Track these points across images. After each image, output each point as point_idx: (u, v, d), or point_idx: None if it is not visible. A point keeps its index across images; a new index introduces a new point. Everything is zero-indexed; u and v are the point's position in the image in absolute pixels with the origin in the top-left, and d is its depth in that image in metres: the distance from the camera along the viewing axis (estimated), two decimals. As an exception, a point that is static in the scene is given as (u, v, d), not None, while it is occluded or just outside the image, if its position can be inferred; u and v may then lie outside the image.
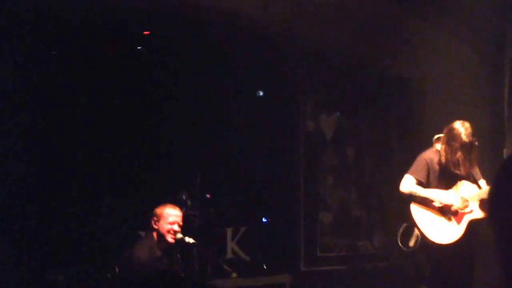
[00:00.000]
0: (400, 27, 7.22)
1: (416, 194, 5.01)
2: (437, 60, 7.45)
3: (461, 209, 4.92)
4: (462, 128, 4.96)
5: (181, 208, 4.77)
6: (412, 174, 5.10)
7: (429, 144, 5.32)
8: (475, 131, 4.98)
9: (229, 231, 6.93)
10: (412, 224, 5.05)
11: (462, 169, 4.98)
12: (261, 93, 7.42)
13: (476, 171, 5.12)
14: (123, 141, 5.98)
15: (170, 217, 4.54)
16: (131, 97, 6.06)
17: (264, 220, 7.37)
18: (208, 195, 6.67)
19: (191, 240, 4.56)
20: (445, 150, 5.02)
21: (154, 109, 6.26)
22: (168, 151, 6.34)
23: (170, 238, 4.51)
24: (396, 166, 5.31)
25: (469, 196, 4.97)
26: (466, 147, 4.94)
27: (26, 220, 5.20)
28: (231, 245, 6.90)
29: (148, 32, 6.10)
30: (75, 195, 5.52)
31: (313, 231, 7.68)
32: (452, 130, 5.00)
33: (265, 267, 6.22)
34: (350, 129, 8.06)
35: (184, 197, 6.31)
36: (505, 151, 6.67)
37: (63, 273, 5.13)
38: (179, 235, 4.52)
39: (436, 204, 4.97)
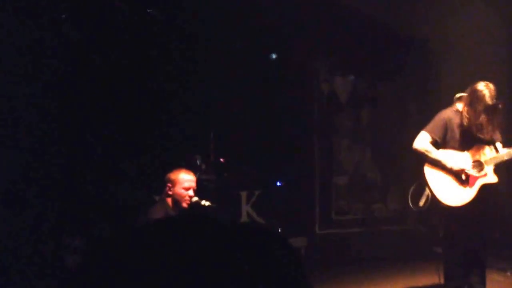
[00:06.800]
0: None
1: (429, 154, 4.86)
2: (455, 20, 7.29)
3: (474, 173, 4.84)
4: (486, 89, 4.70)
5: (194, 173, 4.72)
6: (428, 131, 4.92)
7: (446, 104, 5.18)
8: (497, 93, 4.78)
9: (243, 195, 6.94)
10: (422, 184, 4.96)
11: (485, 132, 4.77)
12: (274, 56, 7.33)
13: (497, 135, 4.96)
14: (137, 106, 5.95)
15: (185, 182, 4.46)
16: (145, 61, 6.01)
17: (278, 183, 7.36)
18: (222, 159, 6.66)
19: (206, 203, 4.53)
20: (468, 113, 4.80)
21: (168, 73, 6.21)
22: (182, 115, 6.31)
23: (185, 204, 4.48)
24: (412, 128, 5.18)
25: (485, 159, 4.87)
26: (490, 110, 4.71)
27: (43, 184, 5.23)
28: (245, 208, 6.91)
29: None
30: (92, 160, 5.53)
31: (328, 194, 7.68)
32: (475, 91, 4.74)
33: (280, 231, 6.23)
34: (365, 91, 7.98)
35: (198, 162, 6.29)
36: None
37: (79, 237, 5.17)
38: (195, 198, 4.49)
39: (447, 166, 4.85)
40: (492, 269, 6.17)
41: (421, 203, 5.00)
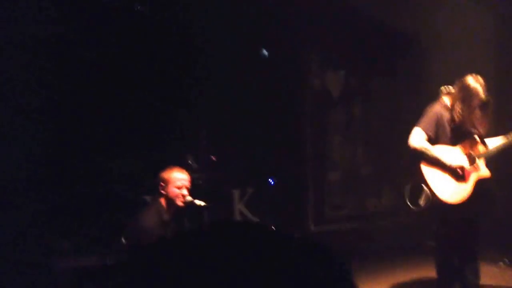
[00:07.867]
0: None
1: (427, 152, 4.76)
2: (446, 16, 7.28)
3: (468, 168, 4.81)
4: (477, 84, 4.66)
5: (188, 172, 4.64)
6: (422, 128, 4.81)
7: (437, 98, 5.12)
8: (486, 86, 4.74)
9: (236, 193, 6.88)
10: (419, 183, 4.89)
11: (480, 127, 4.73)
12: (265, 52, 7.26)
13: (483, 128, 4.91)
14: (128, 104, 5.88)
15: (178, 181, 4.38)
16: (137, 60, 5.94)
17: (270, 181, 7.30)
18: (213, 158, 6.60)
19: (201, 203, 4.46)
20: (461, 109, 4.71)
21: (158, 71, 6.15)
22: (172, 114, 6.25)
23: (179, 202, 4.41)
24: (404, 122, 5.13)
25: (477, 154, 4.84)
26: (484, 105, 4.67)
27: (31, 186, 5.15)
28: (238, 206, 6.86)
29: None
30: (81, 160, 5.47)
31: (321, 190, 7.65)
32: (468, 87, 4.67)
33: (273, 228, 6.16)
34: (356, 86, 7.95)
35: (189, 161, 6.23)
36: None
37: (69, 240, 5.10)
38: (189, 198, 4.41)
39: (445, 163, 4.79)
40: (485, 261, 6.18)
41: (421, 202, 4.90)
